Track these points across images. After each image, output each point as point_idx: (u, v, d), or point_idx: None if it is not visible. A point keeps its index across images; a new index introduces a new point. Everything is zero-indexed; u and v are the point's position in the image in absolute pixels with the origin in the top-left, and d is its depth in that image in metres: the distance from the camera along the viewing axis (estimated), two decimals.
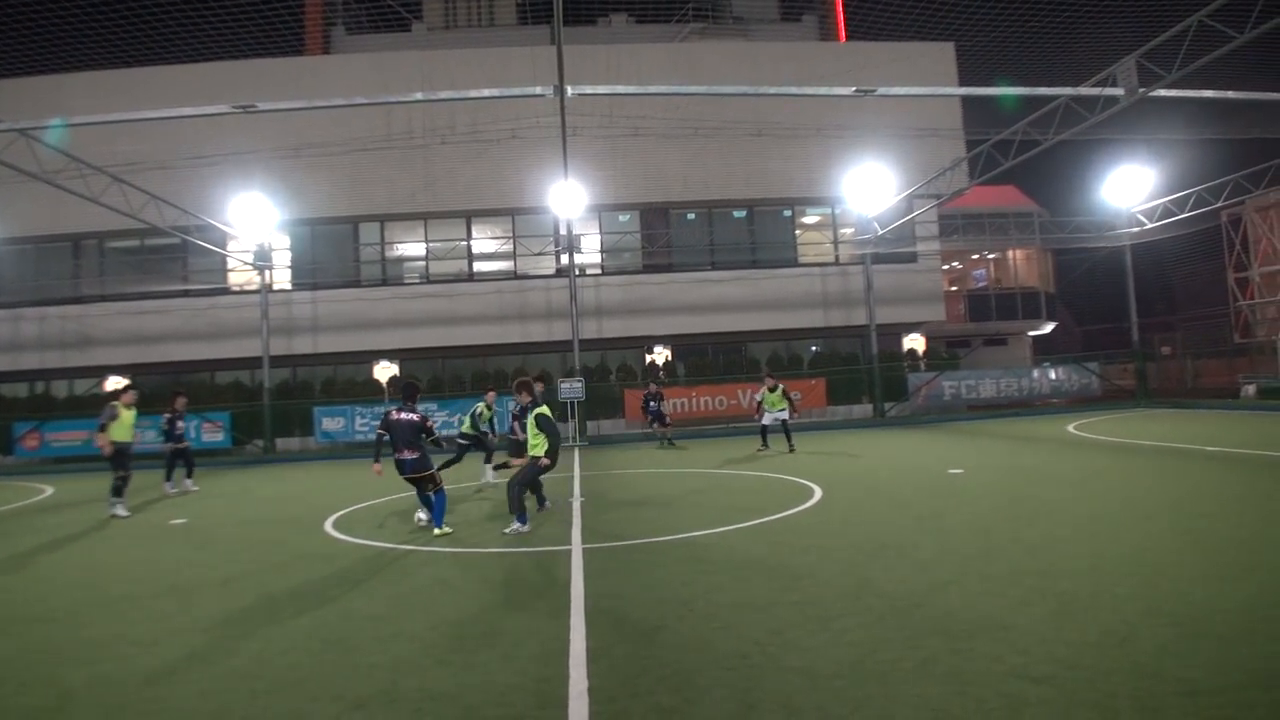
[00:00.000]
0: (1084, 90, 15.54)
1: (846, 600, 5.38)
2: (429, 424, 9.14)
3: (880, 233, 24.83)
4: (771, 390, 17.19)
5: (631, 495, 11.28)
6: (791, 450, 16.37)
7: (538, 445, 8.84)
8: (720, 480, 12.57)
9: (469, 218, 26.41)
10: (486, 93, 16.17)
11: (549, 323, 25.55)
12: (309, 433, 23.80)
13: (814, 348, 27.62)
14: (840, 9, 30.97)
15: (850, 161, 24.10)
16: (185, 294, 25.77)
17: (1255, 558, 5.94)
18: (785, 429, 17.01)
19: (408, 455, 8.93)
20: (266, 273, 24.41)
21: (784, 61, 26.16)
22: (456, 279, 26.26)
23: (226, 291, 26.03)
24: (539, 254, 26.07)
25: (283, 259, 26.14)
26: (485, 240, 27.15)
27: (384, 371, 25.82)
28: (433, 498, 9.06)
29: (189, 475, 15.19)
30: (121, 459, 12.03)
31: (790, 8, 31.56)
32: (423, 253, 26.65)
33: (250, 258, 24.21)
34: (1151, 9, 20.21)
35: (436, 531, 8.71)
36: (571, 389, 21.77)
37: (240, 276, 26.00)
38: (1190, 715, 3.41)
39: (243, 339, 24.91)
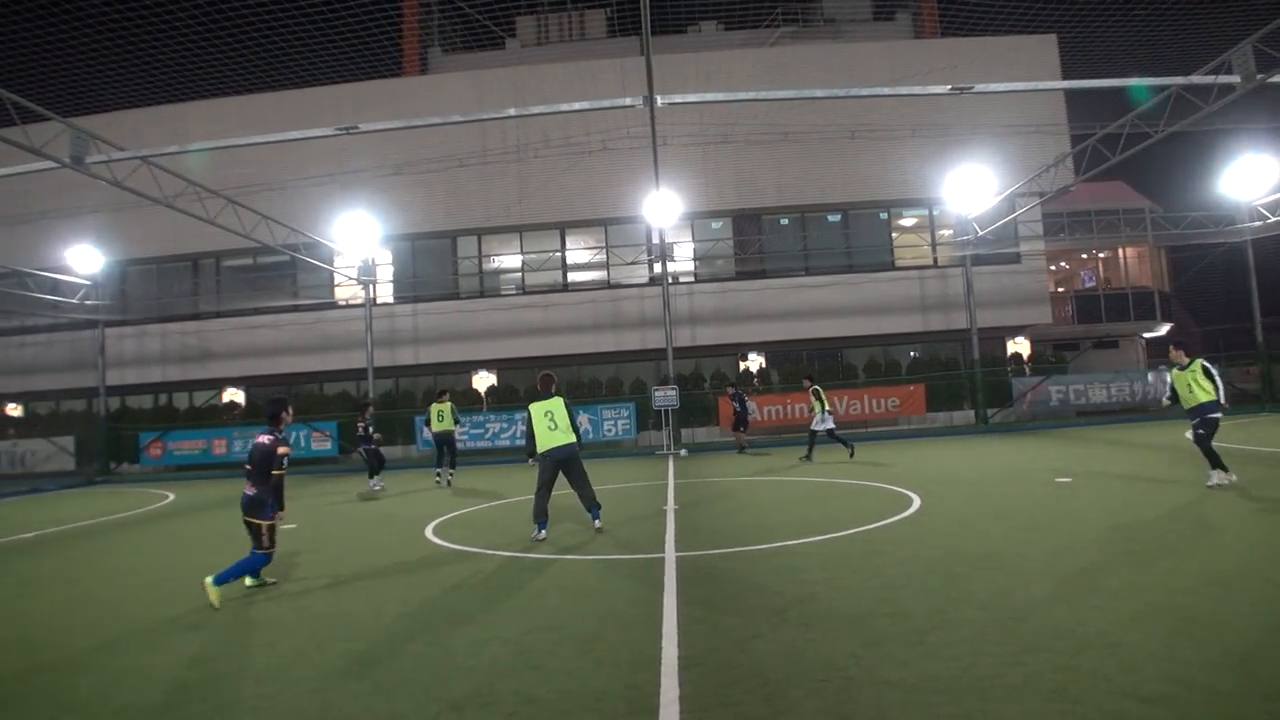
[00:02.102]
0: (1197, 79, 14.76)
1: (945, 613, 5.23)
2: (280, 451, 7.04)
3: (980, 234, 24.10)
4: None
5: (726, 503, 11.23)
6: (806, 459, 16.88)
7: None
8: (816, 488, 12.39)
9: (563, 229, 26.83)
10: (577, 105, 16.40)
11: (642, 331, 25.73)
12: (411, 441, 24.54)
13: (913, 353, 26.96)
14: (934, 5, 30.23)
15: (948, 161, 23.50)
16: (295, 309, 26.96)
17: None
18: (813, 438, 17.25)
19: (247, 490, 7.06)
20: (370, 287, 25.32)
21: (876, 61, 25.73)
22: (551, 289, 26.72)
23: (333, 306, 27.12)
24: (632, 263, 26.27)
25: (385, 273, 27.08)
26: (579, 251, 27.54)
27: (482, 381, 26.45)
28: (251, 553, 7.12)
29: (373, 475, 16.49)
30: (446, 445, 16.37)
31: (882, 6, 31.02)
32: (518, 264, 27.20)
33: (355, 273, 25.15)
34: None
35: (209, 581, 6.67)
36: (665, 397, 21.82)
37: (346, 291, 27.05)
38: None
39: (349, 351, 25.92)
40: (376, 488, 16.04)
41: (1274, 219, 24.96)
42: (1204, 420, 10.02)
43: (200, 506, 15.16)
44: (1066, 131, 25.59)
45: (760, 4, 27.43)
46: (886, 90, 16.49)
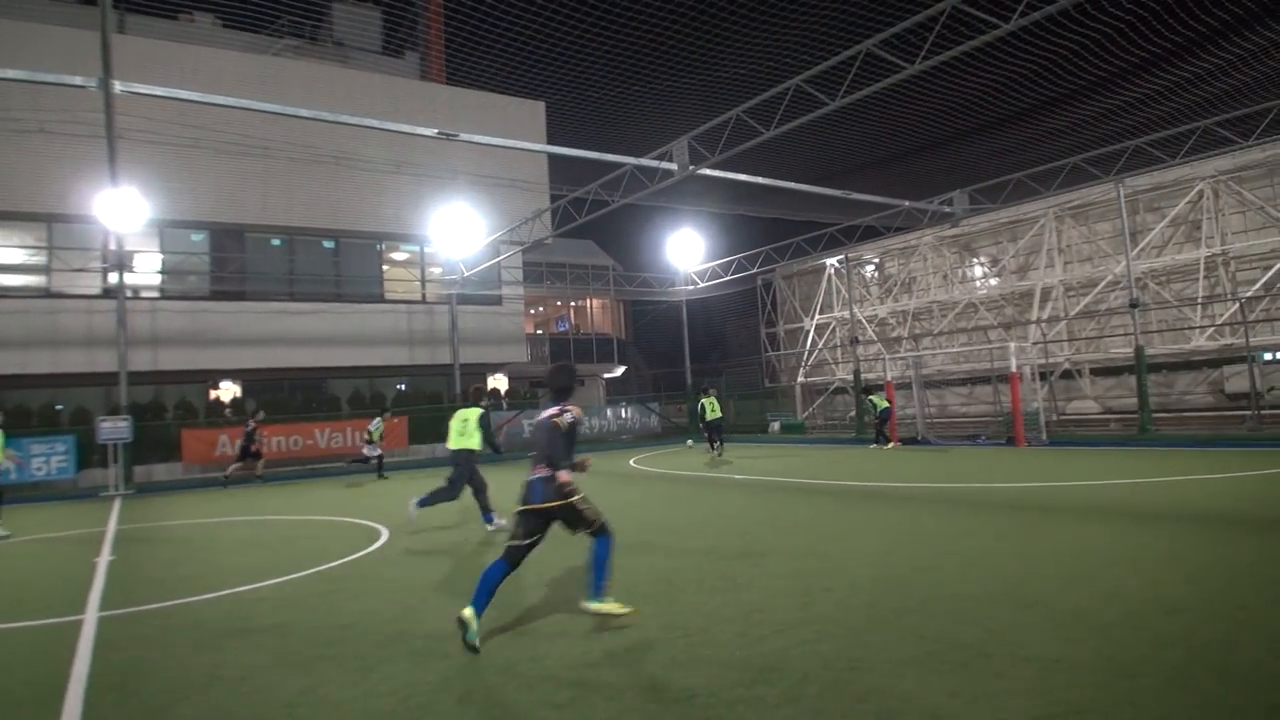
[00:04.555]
0: (646, 161, 17.34)
1: (391, 645, 5.28)
2: None
3: (467, 274, 25.34)
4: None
5: (177, 550, 10.11)
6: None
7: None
8: (289, 526, 11.77)
9: None
10: (9, 74, 13.70)
11: (90, 351, 21.98)
12: None
13: (400, 386, 27.21)
14: (442, 52, 31.29)
15: (441, 202, 24.33)
16: None
17: (762, 567, 6.85)
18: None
19: None
20: None
21: (378, 94, 25.69)
22: None
23: None
24: (80, 270, 22.46)
25: None
26: (11, 249, 22.85)
27: None
28: None
29: None
30: None
31: (393, 43, 31.24)
32: None
33: None
34: (708, 98, 23.07)
35: None
36: (115, 429, 18.95)
37: None
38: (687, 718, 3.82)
39: None
40: None
41: (702, 284, 30.38)
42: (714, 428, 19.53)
43: None
44: (547, 190, 28.09)
45: (266, 8, 25.70)
46: (374, 123, 16.41)
